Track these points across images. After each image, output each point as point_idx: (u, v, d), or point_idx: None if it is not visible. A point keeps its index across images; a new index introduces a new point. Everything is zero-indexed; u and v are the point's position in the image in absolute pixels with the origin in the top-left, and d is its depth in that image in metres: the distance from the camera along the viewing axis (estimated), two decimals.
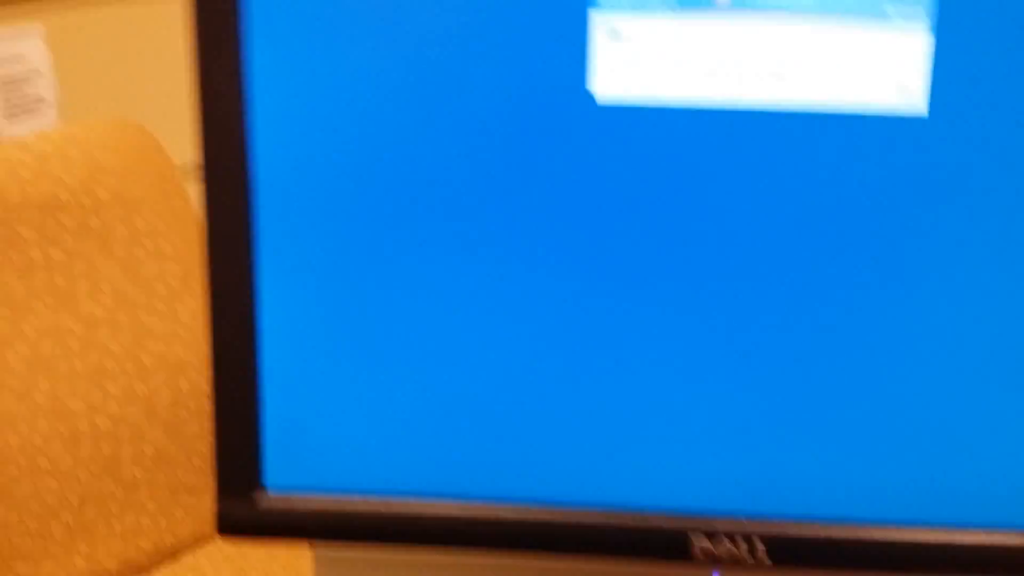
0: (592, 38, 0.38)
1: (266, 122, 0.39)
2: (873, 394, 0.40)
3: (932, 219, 0.38)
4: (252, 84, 0.38)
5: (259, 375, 0.41)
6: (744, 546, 0.40)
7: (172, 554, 0.97)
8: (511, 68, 0.38)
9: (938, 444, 0.40)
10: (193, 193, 0.98)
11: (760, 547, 0.40)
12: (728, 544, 0.40)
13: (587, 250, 0.39)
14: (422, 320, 0.40)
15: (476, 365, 0.40)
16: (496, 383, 0.41)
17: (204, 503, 1.00)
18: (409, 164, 0.39)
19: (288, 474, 0.42)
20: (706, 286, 0.39)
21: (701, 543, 0.40)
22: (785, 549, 0.40)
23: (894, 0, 0.37)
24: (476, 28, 0.37)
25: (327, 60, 0.38)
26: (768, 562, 0.40)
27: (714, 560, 0.40)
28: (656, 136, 0.38)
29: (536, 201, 0.39)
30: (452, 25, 0.37)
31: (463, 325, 0.40)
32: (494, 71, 0.38)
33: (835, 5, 0.37)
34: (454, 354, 0.40)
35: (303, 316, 0.41)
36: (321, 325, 0.41)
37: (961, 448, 0.40)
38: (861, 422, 0.40)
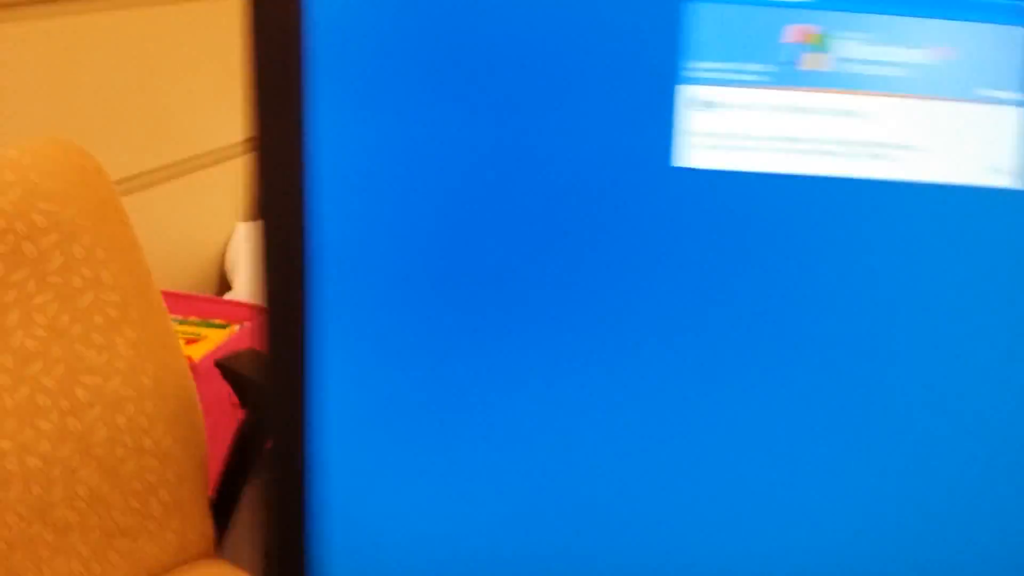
0: (684, 109, 0.36)
1: (330, 195, 0.36)
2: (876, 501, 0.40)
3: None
4: (319, 156, 0.35)
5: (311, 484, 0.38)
6: None
7: None
8: (597, 140, 0.36)
9: (933, 541, 0.40)
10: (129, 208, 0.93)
11: None
12: None
13: (669, 340, 0.38)
14: (491, 414, 0.38)
15: (548, 487, 0.38)
16: (565, 490, 0.39)
17: (140, 547, 0.95)
18: (484, 243, 0.36)
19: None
20: (803, 371, 0.38)
21: None
22: None
23: (990, 79, 0.36)
24: (561, 99, 0.36)
25: (398, 127, 0.35)
26: None
27: None
28: (742, 206, 0.37)
29: (620, 285, 0.37)
30: (535, 94, 0.35)
31: (532, 429, 0.38)
32: (582, 141, 0.36)
33: (931, 81, 0.36)
34: (520, 475, 0.38)
35: (359, 409, 0.38)
36: (377, 419, 0.38)
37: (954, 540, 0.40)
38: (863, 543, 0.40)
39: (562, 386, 0.37)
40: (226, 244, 2.16)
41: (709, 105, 0.37)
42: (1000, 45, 0.36)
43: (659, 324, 0.37)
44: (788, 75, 0.37)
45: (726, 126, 0.37)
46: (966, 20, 0.36)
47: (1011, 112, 0.36)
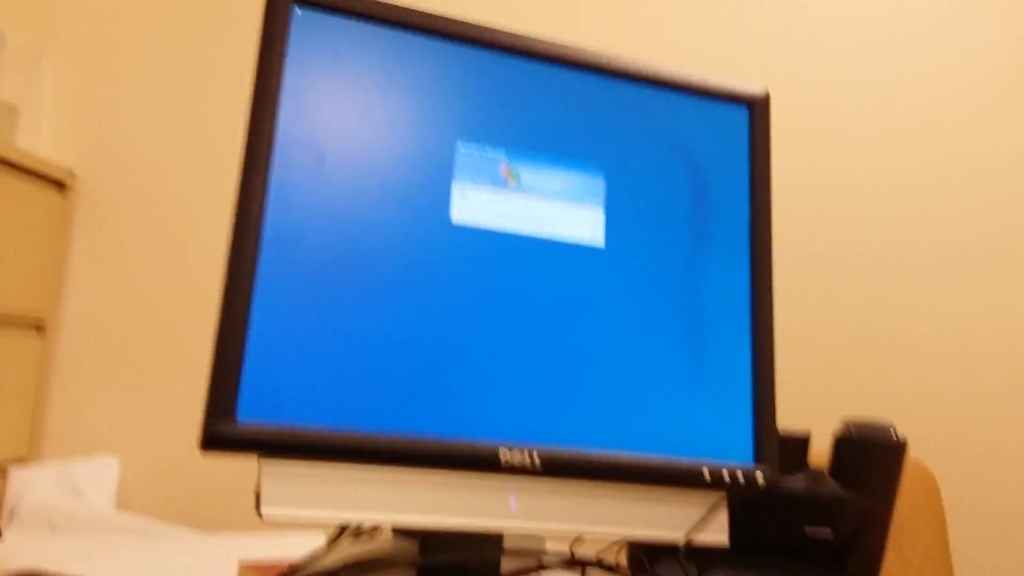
0: (453, 194, 0.75)
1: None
2: (580, 387, 0.75)
3: (606, 309, 0.77)
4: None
5: (245, 344, 0.67)
6: (527, 458, 0.71)
7: None
8: (405, 209, 0.73)
9: (610, 404, 0.75)
10: None
11: (537, 459, 0.71)
12: (519, 455, 0.71)
13: (440, 301, 0.73)
14: (342, 325, 0.70)
15: (371, 351, 0.70)
16: (389, 365, 0.70)
17: None
18: (358, 251, 0.71)
19: (255, 408, 0.66)
20: (509, 320, 0.74)
21: (504, 456, 0.70)
22: (549, 459, 0.72)
23: (587, 194, 0.78)
24: (387, 189, 0.73)
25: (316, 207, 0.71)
26: (539, 464, 0.71)
27: (511, 467, 0.70)
28: (478, 244, 0.75)
29: (414, 271, 0.73)
30: (375, 187, 0.73)
31: (371, 329, 0.70)
32: (396, 209, 0.73)
33: (564, 194, 0.78)
34: (359, 348, 0.70)
35: (278, 320, 0.68)
36: (286, 325, 0.69)
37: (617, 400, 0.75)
38: (576, 393, 0.74)
39: (385, 316, 0.70)
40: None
41: (465, 196, 0.75)
42: (588, 183, 0.79)
43: (435, 297, 0.72)
44: (502, 185, 0.76)
45: (473, 205, 0.75)
46: (574, 170, 0.79)
47: (597, 212, 0.78)
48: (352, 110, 0.74)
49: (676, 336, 0.79)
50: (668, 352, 0.79)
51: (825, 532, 1.01)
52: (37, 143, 2.45)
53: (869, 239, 2.12)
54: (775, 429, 0.80)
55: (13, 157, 2.21)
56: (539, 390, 0.74)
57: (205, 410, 0.66)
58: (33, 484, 2.32)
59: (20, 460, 2.34)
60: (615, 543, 0.98)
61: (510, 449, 0.71)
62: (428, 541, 0.81)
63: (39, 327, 2.39)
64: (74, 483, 2.39)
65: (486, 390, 0.73)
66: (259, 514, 0.66)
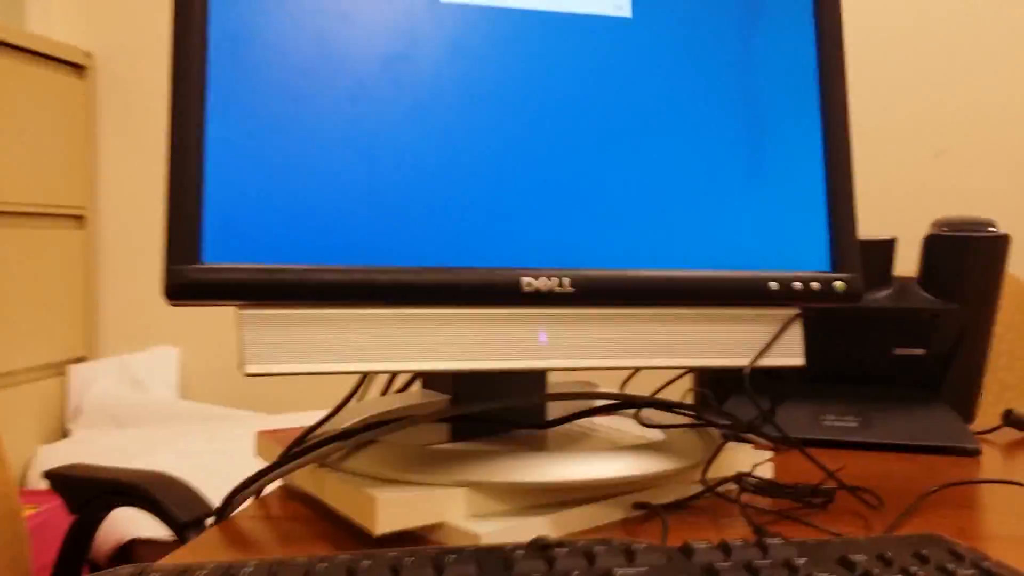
0: None
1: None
2: (612, 193, 0.62)
3: (640, 96, 0.63)
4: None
5: (203, 174, 0.56)
6: (556, 281, 0.59)
7: None
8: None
9: (649, 217, 0.63)
10: None
11: (568, 284, 0.60)
12: (545, 280, 0.59)
13: (432, 100, 0.60)
14: (319, 141, 0.58)
15: (357, 170, 0.58)
16: (373, 184, 0.58)
17: None
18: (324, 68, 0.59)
19: (225, 246, 0.56)
20: (521, 125, 0.61)
21: (527, 283, 0.59)
22: (582, 283, 0.60)
23: None
24: None
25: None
26: (571, 290, 0.59)
27: (537, 294, 0.59)
28: (473, 27, 0.61)
29: (401, 74, 0.60)
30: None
31: (347, 148, 0.58)
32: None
33: None
34: (344, 161, 0.58)
35: (240, 137, 0.57)
36: (250, 144, 0.57)
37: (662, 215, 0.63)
38: (612, 203, 0.62)
39: (363, 133, 0.58)
40: (26, 468, 2.15)
41: None
42: None
43: (424, 93, 0.60)
44: None
45: None
46: None
47: None
48: None
49: (730, 125, 0.65)
50: (721, 145, 0.65)
51: (916, 351, 0.89)
52: (49, 27, 2.33)
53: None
54: (855, 231, 0.67)
55: (26, 42, 2.10)
56: (566, 202, 0.62)
57: (164, 254, 0.55)
58: (94, 380, 2.30)
59: (80, 360, 2.32)
60: (672, 379, 0.87)
61: (536, 275, 0.60)
62: (460, 390, 0.71)
63: (78, 218, 2.33)
64: (135, 376, 2.36)
65: (501, 206, 0.61)
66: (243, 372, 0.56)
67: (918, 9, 1.93)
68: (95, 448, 2.04)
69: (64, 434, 2.24)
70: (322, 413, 0.72)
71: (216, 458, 1.90)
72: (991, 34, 1.90)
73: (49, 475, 1.13)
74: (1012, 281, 1.48)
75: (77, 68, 2.30)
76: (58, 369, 2.25)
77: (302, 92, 0.58)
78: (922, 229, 0.88)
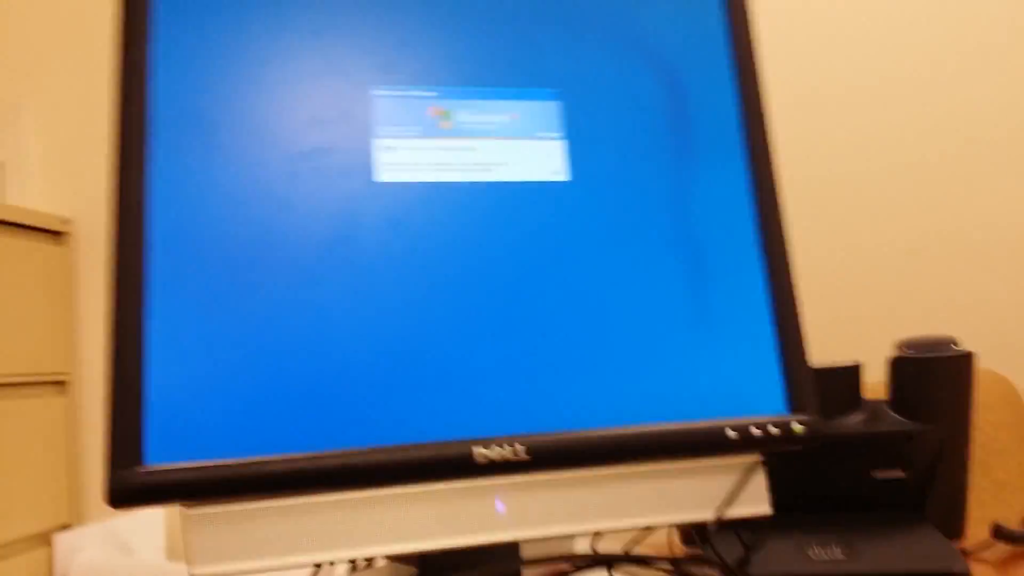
0: (375, 150, 0.62)
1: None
2: (564, 358, 0.62)
3: (582, 255, 0.64)
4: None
5: (143, 374, 0.55)
6: (509, 449, 0.58)
7: None
8: (319, 178, 0.61)
9: (600, 374, 0.62)
10: None
11: (522, 451, 0.59)
12: (498, 449, 0.58)
13: (379, 275, 0.60)
14: (263, 331, 0.58)
15: (301, 357, 0.58)
16: (318, 370, 0.58)
17: None
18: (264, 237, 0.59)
19: (167, 448, 0.55)
20: (470, 294, 0.61)
21: (480, 453, 0.58)
22: (537, 448, 0.59)
23: (541, 128, 0.65)
24: (294, 159, 0.61)
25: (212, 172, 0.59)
26: (527, 457, 0.58)
27: (491, 464, 0.58)
28: (412, 202, 0.62)
29: (344, 251, 0.60)
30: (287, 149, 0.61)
31: (290, 335, 0.58)
32: (308, 180, 0.61)
33: (509, 130, 0.65)
34: (288, 346, 0.58)
35: (180, 332, 0.57)
36: (191, 339, 0.57)
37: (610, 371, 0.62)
38: (559, 365, 0.62)
39: (306, 317, 0.58)
40: None
41: (391, 149, 0.63)
42: (540, 111, 0.66)
43: (377, 266, 0.60)
44: (433, 131, 0.64)
45: (401, 159, 0.63)
46: (521, 100, 0.66)
47: (555, 143, 0.65)
48: (240, 68, 0.62)
49: (671, 275, 0.66)
50: (664, 296, 0.65)
51: (896, 473, 0.87)
52: (26, 198, 2.37)
53: (901, 128, 1.95)
54: (807, 367, 0.66)
55: (4, 214, 2.13)
56: (515, 368, 0.61)
57: (105, 461, 0.54)
58: (80, 548, 2.25)
59: (65, 527, 2.27)
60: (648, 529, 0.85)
61: (488, 445, 0.59)
62: (427, 563, 0.69)
63: (60, 384, 2.31)
64: (122, 540, 2.31)
65: (449, 378, 0.60)
66: None
67: (887, 105, 1.98)
68: None
69: None
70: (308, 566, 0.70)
71: None
72: (960, 137, 1.94)
73: None
74: (1000, 380, 1.48)
75: (56, 235, 2.33)
76: (44, 539, 2.19)
77: (243, 282, 0.58)
78: (895, 325, 0.88)
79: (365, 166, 0.62)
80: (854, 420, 0.85)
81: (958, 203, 1.92)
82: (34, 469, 2.18)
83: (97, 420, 2.38)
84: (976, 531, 0.94)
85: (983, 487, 1.46)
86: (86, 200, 2.42)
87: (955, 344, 0.84)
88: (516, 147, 0.65)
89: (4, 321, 2.10)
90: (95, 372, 2.39)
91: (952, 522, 0.89)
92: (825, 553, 0.85)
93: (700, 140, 0.69)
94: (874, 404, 0.87)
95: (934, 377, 0.83)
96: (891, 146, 1.95)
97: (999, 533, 0.91)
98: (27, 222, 2.22)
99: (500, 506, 0.59)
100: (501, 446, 0.59)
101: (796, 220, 1.97)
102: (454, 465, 0.58)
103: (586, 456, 0.60)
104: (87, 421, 2.38)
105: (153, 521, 2.34)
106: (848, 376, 0.86)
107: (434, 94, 0.65)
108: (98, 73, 2.45)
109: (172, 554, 2.33)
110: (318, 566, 0.69)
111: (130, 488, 0.54)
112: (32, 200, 2.38)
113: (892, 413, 0.86)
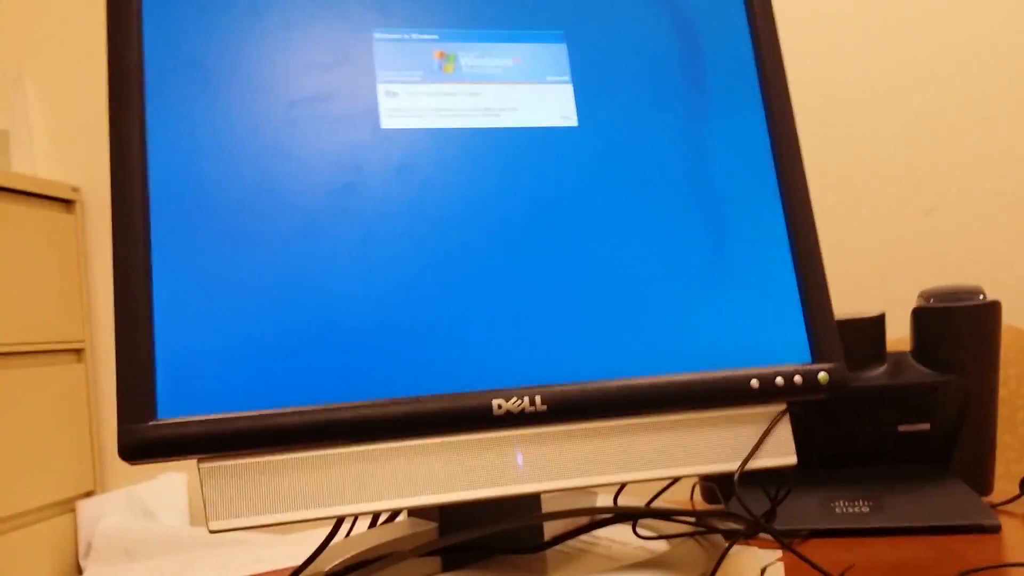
0: (379, 96, 0.61)
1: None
2: (581, 307, 0.61)
3: (595, 204, 0.62)
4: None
5: (152, 328, 0.54)
6: (527, 400, 0.57)
7: None
8: (322, 126, 0.59)
9: (615, 325, 0.61)
10: None
11: (540, 402, 0.57)
12: (516, 400, 0.57)
13: (389, 224, 0.59)
14: (271, 282, 0.57)
15: (311, 308, 0.57)
16: (329, 321, 0.57)
17: None
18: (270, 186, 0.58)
19: (180, 401, 0.54)
20: (483, 240, 0.60)
21: (498, 405, 0.57)
22: (555, 400, 0.58)
23: (547, 68, 0.63)
24: (295, 106, 0.59)
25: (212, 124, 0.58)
26: (545, 408, 0.57)
27: (509, 416, 0.56)
28: (420, 149, 0.60)
29: (355, 196, 0.59)
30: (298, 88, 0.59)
31: (299, 285, 0.57)
32: (311, 127, 0.59)
33: (515, 74, 0.63)
34: (298, 298, 0.57)
35: (187, 286, 0.56)
36: (199, 291, 0.56)
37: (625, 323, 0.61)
38: (576, 316, 0.60)
39: (318, 266, 0.57)
40: None
41: (394, 94, 0.61)
42: (547, 54, 0.64)
43: (385, 217, 0.58)
44: (437, 76, 0.62)
45: (405, 105, 0.61)
46: (526, 42, 0.64)
47: (564, 87, 0.63)
48: (236, 13, 0.60)
49: (689, 223, 0.64)
50: (683, 245, 0.64)
51: (922, 426, 0.86)
52: (34, 165, 2.36)
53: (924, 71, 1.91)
54: (831, 315, 0.65)
55: (12, 182, 2.12)
56: (531, 317, 0.60)
57: (118, 415, 0.53)
58: (103, 514, 2.27)
59: (89, 494, 2.29)
60: (670, 483, 0.84)
61: (506, 396, 0.58)
62: (447, 518, 0.68)
63: (78, 351, 2.32)
64: (144, 506, 2.33)
65: (463, 328, 0.59)
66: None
67: (903, 62, 1.94)
68: None
69: (79, 571, 2.20)
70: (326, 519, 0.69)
71: None
72: (978, 88, 1.90)
73: None
74: (1017, 334, 1.45)
75: (66, 203, 2.33)
76: (67, 506, 2.21)
77: (249, 232, 0.57)
78: (917, 285, 0.86)
79: (368, 112, 0.61)
80: (878, 372, 0.84)
81: (978, 155, 1.88)
82: (56, 437, 2.20)
83: (114, 385, 2.39)
84: (1001, 487, 0.93)
85: (1006, 443, 1.45)
86: (94, 168, 2.41)
87: (980, 293, 0.82)
88: (523, 91, 0.64)
89: (18, 290, 2.11)
90: (111, 339, 2.39)
91: (979, 475, 0.87)
92: (851, 507, 0.84)
93: (715, 84, 0.67)
94: (898, 356, 0.86)
95: (959, 327, 0.82)
96: (908, 97, 1.91)
97: None
98: (36, 191, 2.22)
99: (519, 459, 0.58)
100: (520, 397, 0.58)
101: (812, 177, 1.94)
102: (472, 417, 0.57)
103: (605, 407, 0.59)
104: (106, 388, 2.39)
105: (176, 487, 2.36)
106: (872, 327, 0.84)
107: (435, 36, 0.63)
108: (102, 41, 2.43)
109: (195, 517, 2.34)
110: (339, 522, 0.69)
111: (143, 442, 0.53)
112: (40, 169, 2.38)
113: (917, 364, 0.84)
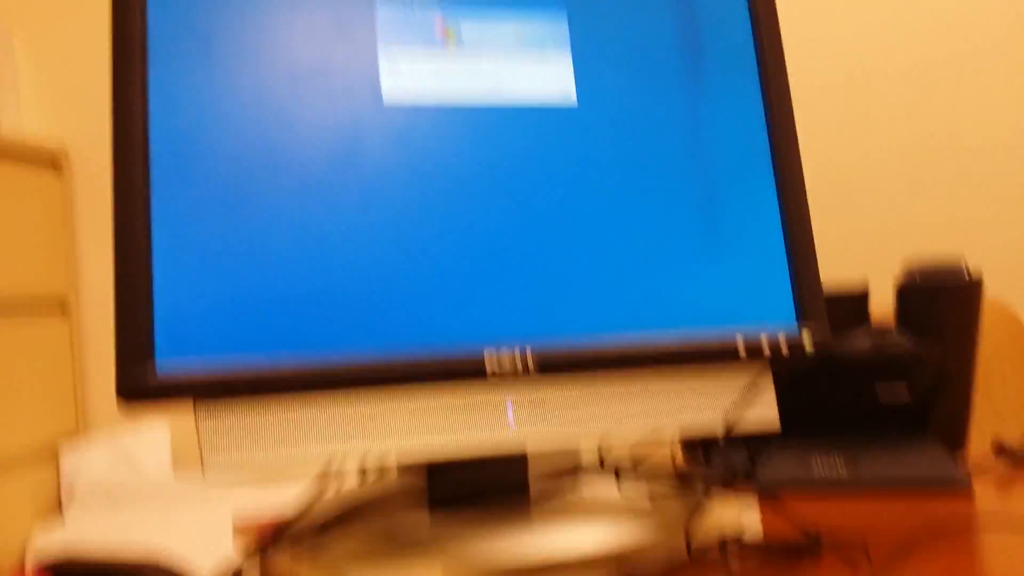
0: (380, 66, 0.61)
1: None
2: (570, 265, 0.62)
3: (591, 175, 0.63)
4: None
5: (151, 274, 0.55)
6: (519, 356, 0.58)
7: None
8: (323, 93, 0.60)
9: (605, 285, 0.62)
10: None
11: (530, 360, 0.59)
12: (509, 356, 0.58)
13: (385, 191, 0.60)
14: (275, 233, 0.57)
15: (313, 259, 0.58)
16: (335, 275, 0.58)
17: None
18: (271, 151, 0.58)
19: (178, 344, 0.55)
20: (478, 207, 0.61)
21: (491, 361, 0.58)
22: (546, 356, 0.59)
23: (547, 42, 0.64)
24: (296, 72, 0.60)
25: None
26: (536, 369, 0.59)
27: (501, 373, 0.58)
28: (419, 122, 0.61)
29: (347, 160, 0.59)
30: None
31: (296, 239, 0.58)
32: (311, 94, 0.60)
33: (518, 46, 0.63)
34: (296, 253, 0.58)
35: (187, 235, 0.56)
36: (198, 241, 0.56)
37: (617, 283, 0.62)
38: (569, 275, 0.61)
39: (317, 220, 0.58)
40: (22, 550, 2.13)
41: (395, 65, 0.62)
42: (547, 27, 0.64)
43: (379, 186, 0.59)
44: (439, 47, 0.63)
45: (405, 75, 0.62)
46: (527, 15, 0.65)
47: (564, 61, 0.64)
48: None
49: (682, 190, 0.65)
50: (674, 208, 0.65)
51: (901, 392, 0.88)
52: (21, 123, 2.35)
53: (918, 42, 1.92)
54: (818, 281, 0.66)
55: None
56: (524, 277, 0.61)
57: (117, 357, 0.54)
58: (87, 463, 2.28)
59: (70, 434, 2.30)
60: (652, 442, 0.86)
61: (499, 352, 0.59)
62: (435, 472, 0.70)
63: (63, 306, 2.32)
64: (128, 455, 2.34)
65: (458, 286, 0.60)
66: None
67: (892, 46, 1.95)
68: (90, 531, 2.01)
69: (61, 516, 2.22)
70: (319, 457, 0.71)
71: (210, 537, 1.88)
72: (965, 68, 1.92)
73: (42, 564, 1.10)
74: (997, 307, 1.48)
75: (53, 162, 2.31)
76: (51, 451, 2.23)
77: (248, 189, 0.58)
78: (900, 249, 0.87)
79: (369, 82, 0.61)
80: (861, 340, 0.86)
81: (964, 117, 1.90)
82: (40, 386, 2.20)
83: (98, 340, 2.39)
84: (974, 450, 0.95)
85: (981, 413, 1.48)
86: (82, 127, 2.39)
87: (965, 268, 0.84)
88: (523, 65, 0.64)
89: (3, 246, 2.10)
90: (96, 295, 2.39)
91: (955, 437, 0.90)
92: (828, 464, 0.86)
93: (712, 60, 0.68)
94: (880, 326, 0.87)
95: (942, 303, 0.84)
96: (895, 59, 1.92)
97: (1000, 450, 0.92)
98: (24, 145, 2.20)
99: (510, 412, 0.59)
100: (512, 353, 0.59)
101: (803, 139, 1.96)
102: (464, 371, 0.58)
103: (594, 363, 0.61)
104: (90, 341, 2.39)
105: (159, 437, 2.37)
106: (855, 300, 0.86)
107: (438, 8, 0.64)
108: (93, 1, 2.40)
109: (178, 464, 2.36)
110: (327, 471, 0.70)
111: (141, 384, 0.54)
112: (27, 128, 2.36)
113: (899, 335, 0.86)
